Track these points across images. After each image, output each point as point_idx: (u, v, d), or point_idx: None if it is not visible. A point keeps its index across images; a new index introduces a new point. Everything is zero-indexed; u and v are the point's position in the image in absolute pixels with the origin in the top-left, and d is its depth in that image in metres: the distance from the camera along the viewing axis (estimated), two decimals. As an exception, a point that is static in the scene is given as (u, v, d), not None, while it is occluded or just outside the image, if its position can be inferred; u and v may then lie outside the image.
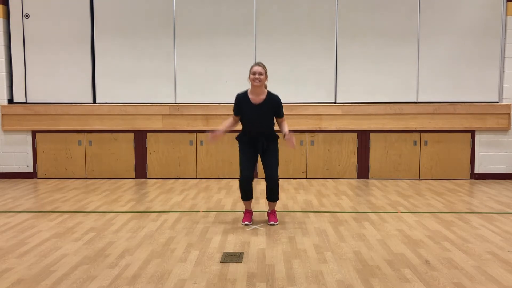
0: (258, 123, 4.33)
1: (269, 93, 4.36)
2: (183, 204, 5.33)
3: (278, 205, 5.24)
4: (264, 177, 4.45)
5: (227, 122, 4.50)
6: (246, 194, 4.45)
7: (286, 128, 4.33)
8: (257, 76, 4.22)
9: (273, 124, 4.44)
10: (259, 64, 4.30)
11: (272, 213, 4.56)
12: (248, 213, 4.54)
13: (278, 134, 4.43)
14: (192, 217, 4.74)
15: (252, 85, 4.28)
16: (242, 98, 4.35)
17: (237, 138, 4.51)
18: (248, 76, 4.30)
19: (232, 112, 4.50)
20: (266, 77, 4.31)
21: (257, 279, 3.08)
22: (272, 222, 4.46)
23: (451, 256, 3.53)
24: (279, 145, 4.46)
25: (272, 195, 4.47)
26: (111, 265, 3.35)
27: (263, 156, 4.41)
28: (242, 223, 4.43)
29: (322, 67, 6.90)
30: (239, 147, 4.47)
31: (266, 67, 4.35)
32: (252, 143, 4.37)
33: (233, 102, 4.45)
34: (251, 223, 4.46)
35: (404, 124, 6.87)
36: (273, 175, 4.38)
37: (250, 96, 4.32)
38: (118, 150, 7.03)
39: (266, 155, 4.39)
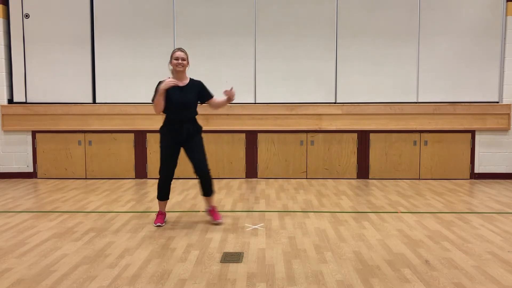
0: (183, 106, 4.19)
1: (191, 79, 4.36)
2: (183, 204, 5.33)
3: (278, 205, 5.25)
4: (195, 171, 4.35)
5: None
6: (164, 194, 4.41)
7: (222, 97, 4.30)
8: (180, 61, 4.23)
9: (196, 111, 4.34)
10: (180, 49, 4.30)
11: (213, 210, 4.49)
12: (161, 215, 4.47)
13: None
14: (192, 217, 4.75)
15: (175, 71, 4.26)
16: None
17: (160, 130, 4.35)
18: (169, 61, 4.29)
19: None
20: (188, 62, 4.31)
21: (257, 279, 3.08)
22: (217, 221, 4.40)
23: (451, 256, 3.53)
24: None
25: (206, 189, 4.40)
26: (111, 265, 3.35)
27: (188, 151, 4.30)
28: (154, 225, 4.36)
29: (322, 67, 6.90)
30: (161, 141, 4.31)
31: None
32: (175, 133, 4.23)
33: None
34: (164, 224, 4.40)
35: (404, 124, 6.87)
36: (202, 168, 4.31)
37: None
38: (118, 150, 7.03)
39: (191, 149, 4.29)
